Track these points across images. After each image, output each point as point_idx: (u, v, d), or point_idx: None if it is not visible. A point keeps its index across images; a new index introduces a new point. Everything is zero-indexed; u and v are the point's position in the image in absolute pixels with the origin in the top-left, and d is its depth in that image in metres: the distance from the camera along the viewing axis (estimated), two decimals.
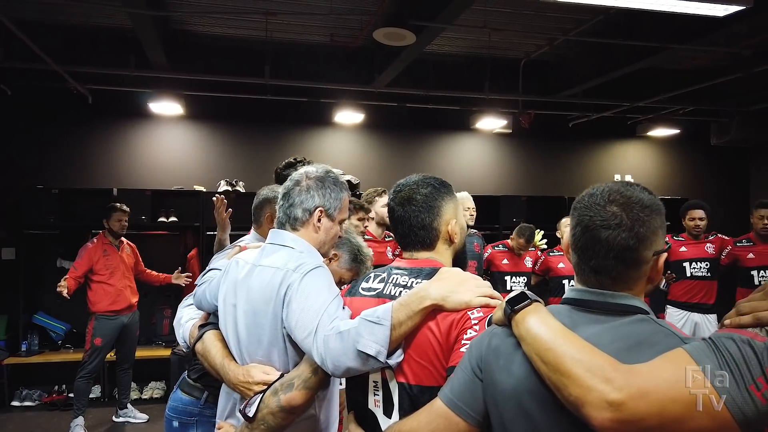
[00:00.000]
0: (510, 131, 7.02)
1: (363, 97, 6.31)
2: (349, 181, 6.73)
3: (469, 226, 4.96)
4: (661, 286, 4.97)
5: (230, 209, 3.03)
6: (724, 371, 0.82)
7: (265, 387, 1.47)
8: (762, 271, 4.52)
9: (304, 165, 3.05)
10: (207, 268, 1.88)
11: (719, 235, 4.84)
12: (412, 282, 1.38)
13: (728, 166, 7.92)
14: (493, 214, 6.67)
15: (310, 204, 1.63)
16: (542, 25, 5.56)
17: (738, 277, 4.70)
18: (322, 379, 1.42)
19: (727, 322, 0.91)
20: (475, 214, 4.90)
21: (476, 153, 7.21)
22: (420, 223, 1.42)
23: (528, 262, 4.89)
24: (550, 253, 4.87)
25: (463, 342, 1.23)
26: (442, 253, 1.45)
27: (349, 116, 6.44)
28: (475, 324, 1.24)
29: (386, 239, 4.33)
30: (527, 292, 1.08)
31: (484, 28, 4.61)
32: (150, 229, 5.93)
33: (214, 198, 3.03)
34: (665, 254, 1.06)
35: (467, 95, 6.36)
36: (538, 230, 5.21)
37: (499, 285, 4.85)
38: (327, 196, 1.64)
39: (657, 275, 1.05)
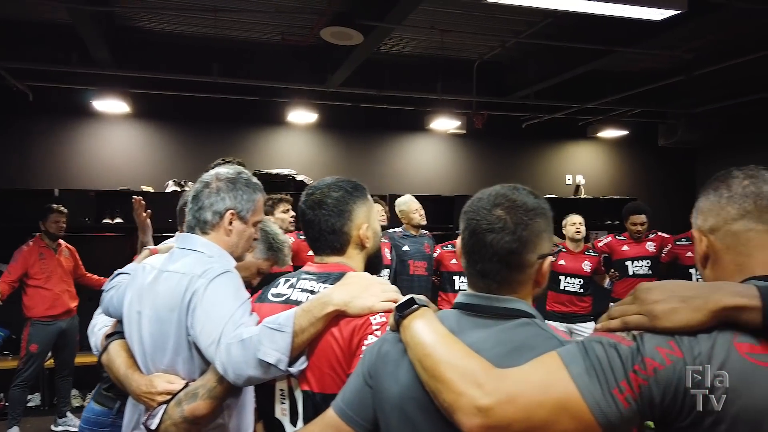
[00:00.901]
0: (464, 132, 7.07)
1: (316, 97, 6.25)
2: (302, 181, 6.62)
3: (421, 227, 4.97)
4: (606, 285, 5.07)
5: (149, 210, 2.95)
6: (590, 375, 0.82)
7: (169, 397, 1.42)
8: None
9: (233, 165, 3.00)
10: (115, 273, 1.81)
11: (659, 234, 4.97)
12: (319, 287, 1.35)
13: (676, 167, 8.16)
14: (448, 215, 6.70)
15: (220, 206, 1.58)
16: (494, 27, 5.60)
17: (678, 274, 4.83)
18: (228, 387, 1.38)
19: (598, 326, 0.91)
20: (423, 214, 4.91)
21: (431, 153, 7.24)
22: (330, 227, 1.40)
23: None
24: None
25: (363, 348, 1.21)
26: (353, 258, 1.43)
27: (302, 116, 6.38)
28: (377, 329, 1.22)
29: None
30: (416, 297, 1.06)
31: (432, 29, 4.62)
32: (94, 231, 5.75)
33: (133, 199, 2.94)
34: (551, 258, 1.06)
35: (421, 96, 6.38)
36: None
37: (447, 285, 4.87)
38: (239, 198, 1.59)
39: (543, 279, 1.05)
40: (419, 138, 7.17)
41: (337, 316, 1.25)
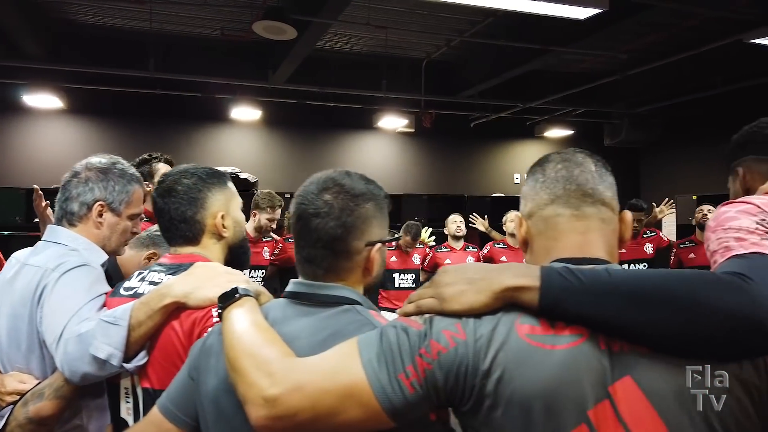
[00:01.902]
0: (412, 130, 7.07)
1: (260, 94, 6.17)
2: (246, 179, 6.50)
3: None
4: None
5: (47, 201, 2.82)
6: (379, 361, 0.79)
7: (18, 397, 1.35)
8: (633, 265, 4.74)
9: (160, 162, 2.90)
10: None
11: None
12: (167, 279, 1.29)
13: (621, 165, 8.33)
14: (395, 213, 6.69)
15: (88, 197, 1.50)
16: (438, 26, 5.62)
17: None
18: (76, 387, 1.32)
19: (399, 311, 0.89)
20: None
21: (379, 152, 7.22)
22: (181, 215, 1.33)
23: (416, 259, 4.93)
24: (438, 250, 4.94)
25: None
26: (210, 248, 1.37)
27: (246, 113, 6.28)
28: (218, 322, 1.17)
29: (264, 239, 4.23)
30: (240, 286, 1.02)
31: (368, 25, 4.59)
32: (25, 230, 5.54)
33: (34, 188, 2.80)
34: (380, 245, 1.03)
35: (365, 94, 6.35)
36: (426, 227, 5.28)
37: (387, 282, 4.85)
38: (110, 189, 1.52)
39: (372, 266, 1.02)
40: (368, 136, 7.15)
41: (178, 309, 1.19)
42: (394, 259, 4.87)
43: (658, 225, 4.84)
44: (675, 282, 0.75)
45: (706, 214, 4.33)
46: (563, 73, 6.68)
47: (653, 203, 4.86)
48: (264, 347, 0.86)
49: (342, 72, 6.31)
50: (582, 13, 3.56)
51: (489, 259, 4.86)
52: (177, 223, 1.34)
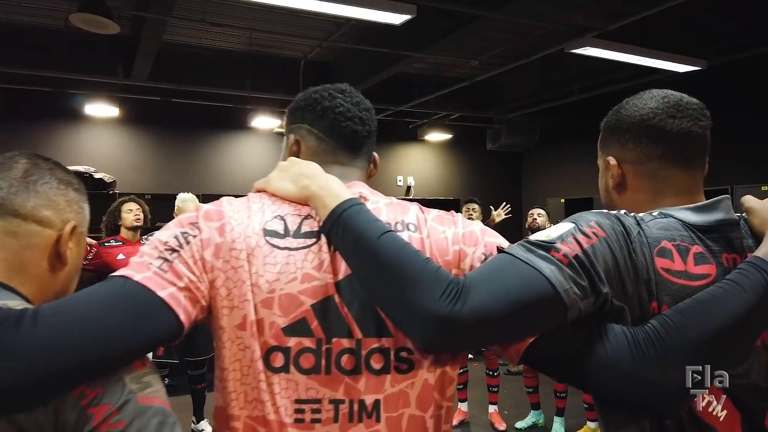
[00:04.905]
0: None
1: (117, 90, 5.89)
2: (101, 179, 6.16)
3: None
4: None
5: None
6: None
7: None
8: None
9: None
10: None
11: None
12: None
13: (504, 168, 8.56)
14: None
15: None
16: (301, 25, 5.55)
17: None
18: None
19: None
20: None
21: (254, 152, 7.08)
22: None
23: None
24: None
25: None
26: None
27: (101, 109, 5.98)
28: None
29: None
30: None
31: (202, 21, 4.46)
32: None
33: None
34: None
35: (230, 93, 6.19)
36: None
37: None
38: None
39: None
40: (242, 137, 6.99)
41: None
42: None
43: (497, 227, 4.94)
44: None
45: (536, 219, 4.45)
46: (437, 76, 6.76)
47: (491, 207, 4.97)
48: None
49: (209, 70, 6.14)
50: (396, 18, 3.57)
51: None
52: None
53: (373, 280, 0.79)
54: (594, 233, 0.82)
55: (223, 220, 0.84)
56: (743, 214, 0.92)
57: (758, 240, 0.86)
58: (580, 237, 0.81)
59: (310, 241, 0.84)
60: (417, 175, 7.99)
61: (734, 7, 4.61)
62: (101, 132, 6.31)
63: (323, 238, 0.84)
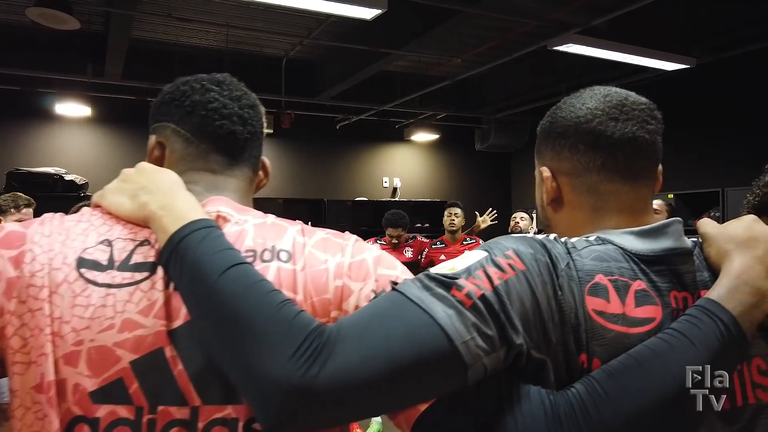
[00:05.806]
0: (271, 131, 6.78)
1: (89, 89, 5.69)
2: (72, 181, 5.97)
3: None
4: None
5: None
6: None
7: None
8: None
9: None
10: None
11: (418, 239, 4.95)
12: None
13: (493, 169, 8.37)
14: None
15: None
16: (282, 22, 5.37)
17: None
18: None
19: None
20: None
21: None
22: None
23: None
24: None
25: None
26: None
27: (73, 109, 5.77)
28: None
29: None
30: None
31: (169, 16, 4.27)
32: None
33: None
34: None
35: None
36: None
37: None
38: None
39: None
40: None
41: None
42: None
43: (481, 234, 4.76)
44: None
45: (519, 223, 4.28)
46: (421, 75, 6.58)
47: (476, 212, 4.79)
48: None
49: (186, 68, 5.89)
50: (366, 13, 3.39)
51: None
52: None
53: (211, 332, 0.60)
54: (510, 265, 0.63)
55: (22, 247, 0.64)
56: (698, 239, 0.74)
57: (714, 274, 0.68)
58: (492, 270, 0.63)
59: (139, 276, 0.65)
60: (403, 176, 7.79)
61: (725, 2, 4.44)
62: (73, 132, 6.10)
63: (159, 272, 0.65)
